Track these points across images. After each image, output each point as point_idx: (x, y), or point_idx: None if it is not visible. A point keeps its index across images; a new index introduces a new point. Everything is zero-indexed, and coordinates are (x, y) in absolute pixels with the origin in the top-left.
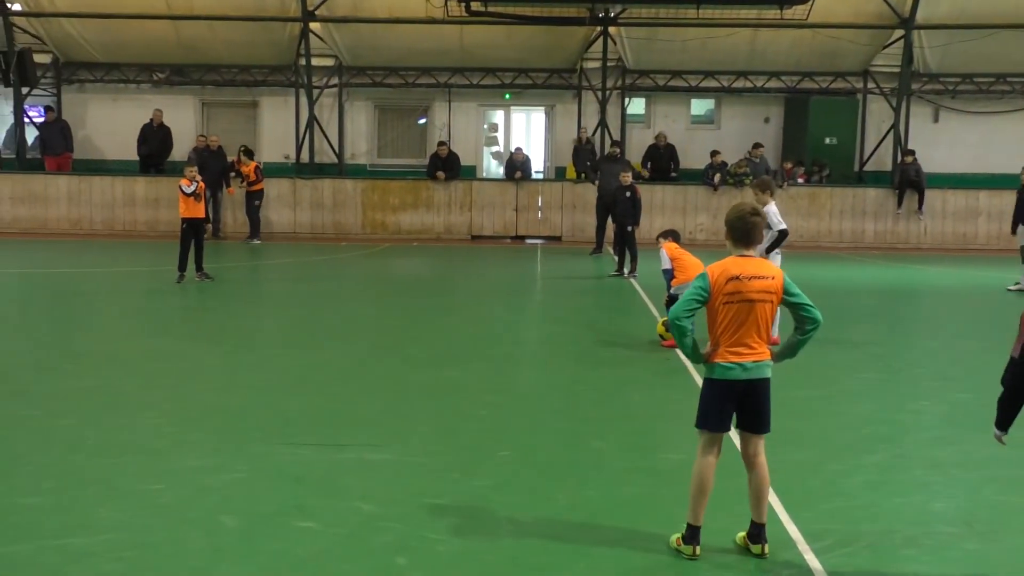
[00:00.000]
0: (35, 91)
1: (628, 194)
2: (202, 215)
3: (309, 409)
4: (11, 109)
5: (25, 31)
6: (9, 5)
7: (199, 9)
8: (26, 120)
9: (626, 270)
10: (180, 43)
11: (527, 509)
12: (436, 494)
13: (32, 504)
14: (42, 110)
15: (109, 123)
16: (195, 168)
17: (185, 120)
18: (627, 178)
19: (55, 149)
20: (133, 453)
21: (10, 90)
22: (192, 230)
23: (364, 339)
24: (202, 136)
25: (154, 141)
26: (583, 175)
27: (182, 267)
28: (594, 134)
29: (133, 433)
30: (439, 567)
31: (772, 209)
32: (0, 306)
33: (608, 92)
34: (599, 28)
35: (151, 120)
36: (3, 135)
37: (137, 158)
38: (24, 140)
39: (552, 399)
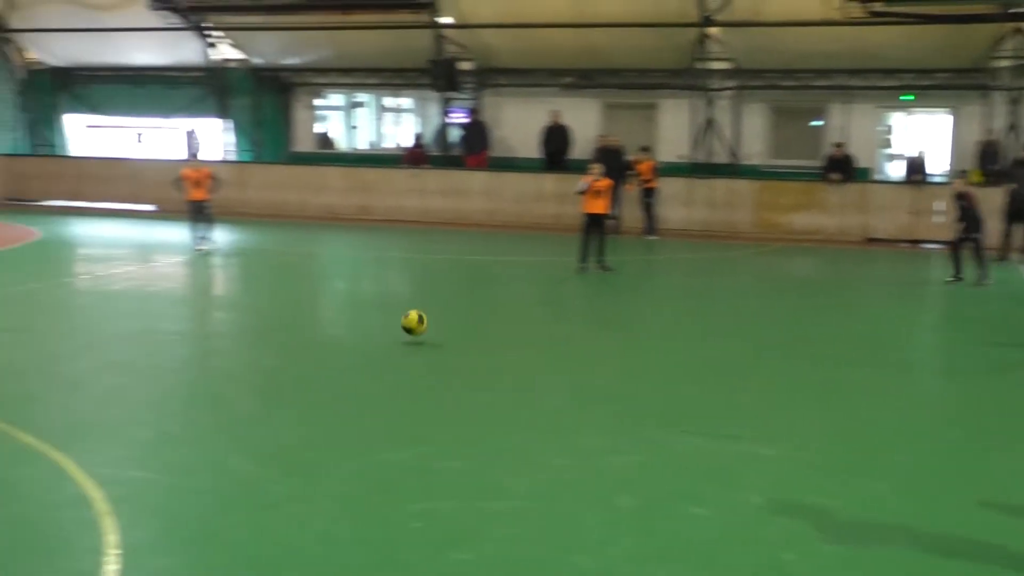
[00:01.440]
0: (458, 95)
1: None
2: (603, 210)
3: (703, 399)
4: (438, 111)
5: (453, 41)
6: (440, 20)
7: (604, 17)
8: (450, 121)
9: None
10: (585, 49)
11: (921, 519)
12: (827, 493)
13: (453, 467)
14: (465, 112)
15: (520, 124)
16: (599, 166)
17: (588, 121)
18: None
19: (474, 148)
20: (540, 429)
21: (438, 94)
22: (593, 224)
23: (756, 335)
24: (602, 135)
25: (556, 140)
26: (989, 178)
27: (584, 258)
28: (1007, 136)
29: (540, 411)
30: (826, 567)
31: None
32: (427, 288)
33: (1020, 92)
34: (1010, 25)
35: (551, 121)
36: (431, 134)
37: (542, 157)
38: (447, 139)
39: (949, 407)
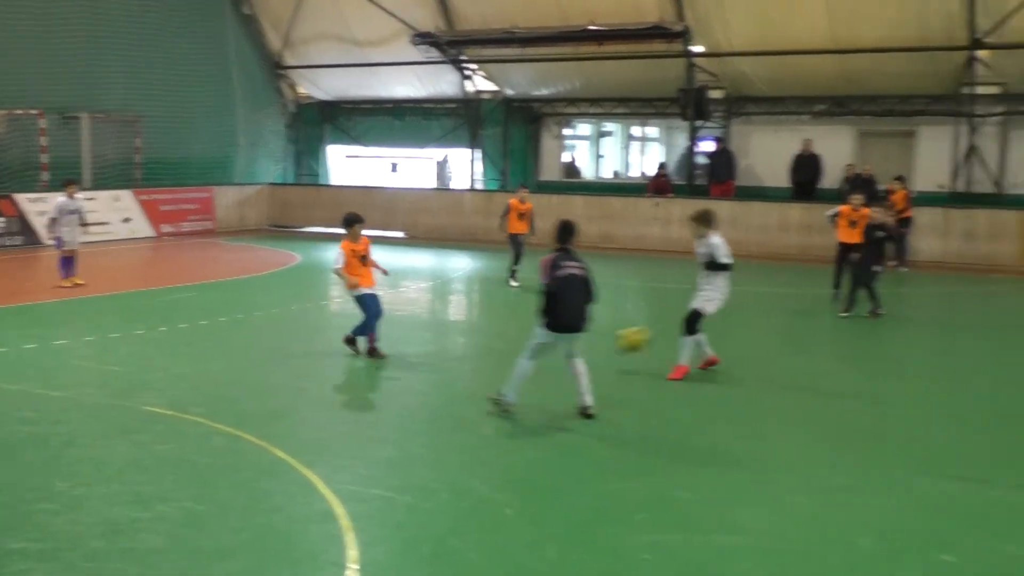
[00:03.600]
0: (707, 124)
1: None
2: (857, 239)
3: (958, 441)
4: (685, 140)
5: (703, 70)
6: (692, 49)
7: (865, 42)
8: (696, 150)
9: None
10: (842, 75)
11: None
12: None
13: (686, 499)
14: (712, 140)
15: (769, 153)
16: (859, 196)
17: (840, 150)
18: None
19: (720, 176)
20: (778, 465)
21: (685, 123)
22: (847, 253)
23: (1017, 374)
24: (851, 164)
25: (806, 169)
26: None
27: (836, 286)
28: None
29: (778, 445)
30: None
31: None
32: (660, 316)
33: None
34: None
35: (802, 150)
36: (676, 163)
37: (790, 185)
38: (694, 168)
39: None
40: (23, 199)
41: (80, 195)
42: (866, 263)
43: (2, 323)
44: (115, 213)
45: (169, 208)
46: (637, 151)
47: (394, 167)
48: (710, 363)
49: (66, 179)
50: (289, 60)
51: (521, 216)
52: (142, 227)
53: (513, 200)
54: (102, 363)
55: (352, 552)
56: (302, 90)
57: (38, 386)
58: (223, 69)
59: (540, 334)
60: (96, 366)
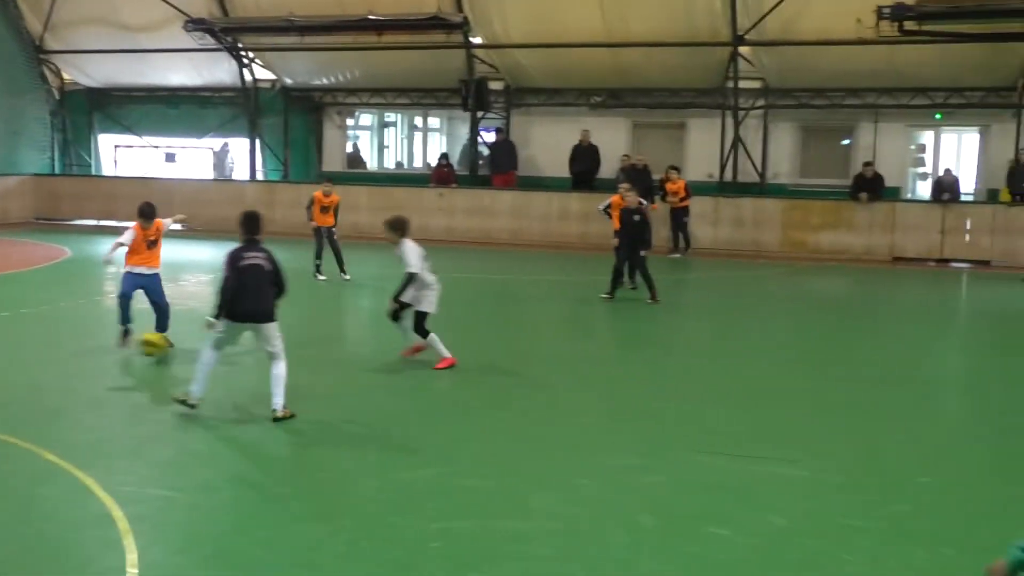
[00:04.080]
0: (488, 115)
1: None
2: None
3: (728, 420)
4: (467, 131)
5: (483, 61)
6: (471, 40)
7: (635, 37)
8: (479, 141)
9: None
10: (615, 68)
11: (948, 543)
12: (851, 515)
13: (475, 486)
14: (493, 131)
15: (549, 143)
16: (628, 185)
17: (617, 141)
18: None
19: (502, 167)
20: (564, 448)
21: (467, 114)
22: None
23: (783, 354)
24: (626, 155)
25: (584, 160)
26: (1018, 197)
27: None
28: None
29: (565, 428)
30: None
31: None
32: (453, 307)
33: None
34: None
35: (580, 140)
36: (458, 153)
37: (570, 176)
38: (476, 159)
39: (979, 428)
40: None
41: None
42: (628, 248)
43: None
44: None
45: None
46: (420, 142)
47: (170, 157)
48: (416, 350)
49: None
50: (52, 44)
51: (325, 209)
52: None
53: (317, 193)
54: None
55: (131, 556)
56: (67, 76)
57: None
58: None
59: (220, 324)
60: None
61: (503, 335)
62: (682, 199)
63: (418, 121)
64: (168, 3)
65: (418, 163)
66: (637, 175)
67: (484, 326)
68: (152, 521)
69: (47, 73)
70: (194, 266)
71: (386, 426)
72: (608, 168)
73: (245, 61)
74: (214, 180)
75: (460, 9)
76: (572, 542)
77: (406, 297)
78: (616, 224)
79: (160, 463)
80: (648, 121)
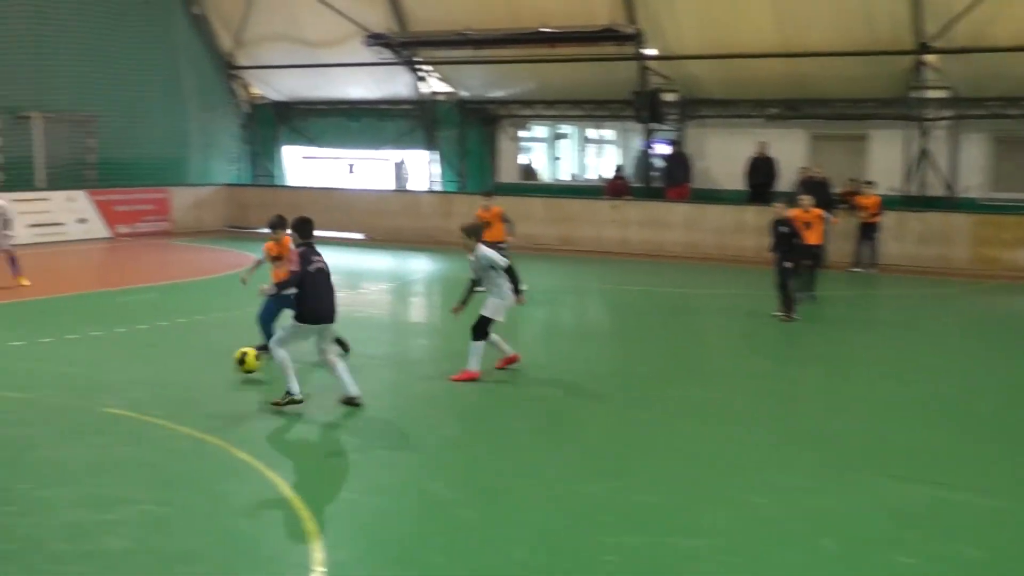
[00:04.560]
0: (661, 126)
1: None
2: (815, 241)
3: (911, 443)
4: (640, 142)
5: (656, 72)
6: (644, 51)
7: (813, 46)
8: (652, 152)
9: None
10: (792, 79)
11: None
12: None
13: (648, 502)
14: (667, 143)
15: (724, 155)
16: (808, 198)
17: (794, 152)
18: None
19: (676, 179)
20: (738, 465)
21: (641, 126)
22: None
23: (972, 377)
24: (804, 167)
25: (760, 172)
26: None
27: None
28: None
29: (739, 446)
30: None
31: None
32: (626, 319)
33: None
34: None
35: (756, 152)
36: (632, 165)
37: (746, 188)
38: (650, 171)
39: None
40: None
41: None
42: (778, 261)
43: None
44: (70, 214)
45: (124, 209)
46: (593, 153)
47: (351, 168)
48: (510, 361)
49: None
50: (241, 60)
51: (489, 224)
52: (97, 228)
53: (479, 211)
54: (61, 365)
55: (318, 554)
56: (256, 90)
57: None
58: (174, 69)
59: (291, 325)
60: (55, 368)
61: (672, 349)
62: (873, 214)
63: (591, 133)
64: (348, 18)
65: (591, 175)
66: (815, 188)
67: (653, 339)
68: (337, 522)
69: (237, 88)
70: (373, 275)
71: (559, 438)
72: (785, 181)
73: (422, 74)
74: (393, 191)
75: (633, 21)
76: (748, 562)
77: (499, 305)
78: (806, 238)
79: (344, 466)
80: (827, 133)
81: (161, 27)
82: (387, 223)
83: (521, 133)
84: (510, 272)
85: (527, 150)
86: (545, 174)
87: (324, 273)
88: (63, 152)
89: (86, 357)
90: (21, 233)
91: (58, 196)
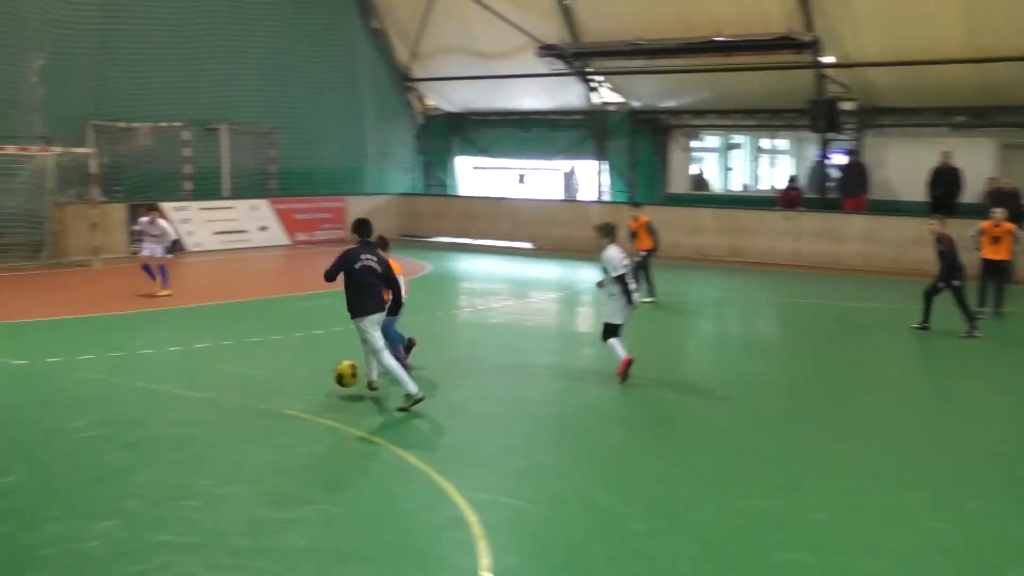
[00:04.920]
0: (838, 136)
1: None
2: (1003, 256)
3: None
4: (815, 152)
5: (834, 81)
6: (822, 59)
7: (1004, 50)
8: (828, 163)
9: None
10: (981, 85)
11: None
12: None
13: (820, 520)
14: (844, 153)
15: (905, 166)
16: (1001, 210)
17: (981, 163)
18: None
19: (853, 190)
20: (917, 487)
21: (816, 135)
22: (991, 270)
23: None
24: (993, 178)
25: (944, 183)
26: None
27: (980, 304)
28: None
29: (917, 467)
30: None
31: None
32: (795, 333)
33: None
34: None
35: (940, 162)
36: (806, 176)
37: (928, 199)
38: (825, 181)
39: None
40: (168, 207)
41: (163, 222)
42: (943, 279)
43: (148, 326)
44: (252, 221)
45: (303, 217)
46: (766, 164)
47: (521, 178)
48: (626, 364)
49: (147, 205)
50: (417, 73)
51: (634, 234)
52: (278, 235)
53: (629, 222)
54: (241, 367)
55: (484, 560)
56: (430, 102)
57: (181, 388)
58: (353, 82)
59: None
60: (235, 370)
61: (842, 365)
62: None
63: (764, 143)
64: (522, 30)
65: (764, 185)
66: (1004, 199)
67: (822, 354)
68: (504, 529)
69: (412, 100)
70: (540, 284)
71: (726, 452)
72: (971, 192)
73: (593, 85)
74: (561, 201)
75: (811, 28)
76: None
77: (615, 309)
78: (985, 252)
79: (512, 473)
80: (1018, 142)
81: (341, 42)
82: (555, 233)
83: (692, 143)
84: (620, 281)
85: (698, 160)
86: (716, 184)
87: (371, 271)
88: (247, 162)
89: (265, 360)
90: (207, 240)
91: (242, 205)
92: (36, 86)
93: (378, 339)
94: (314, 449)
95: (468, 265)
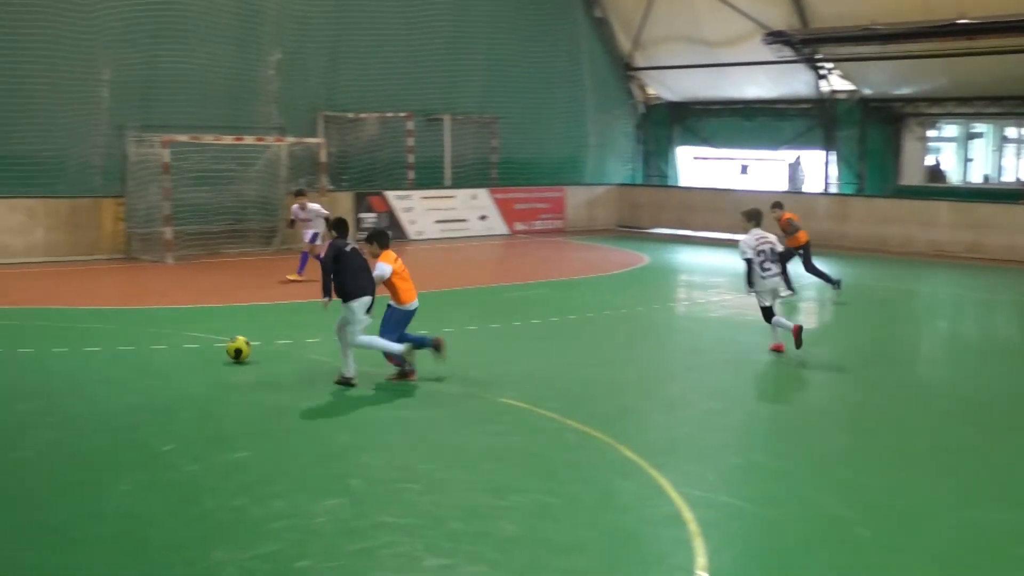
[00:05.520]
0: None
1: None
2: None
3: None
4: None
5: None
6: None
7: None
8: None
9: None
10: None
11: None
12: None
13: None
14: None
15: None
16: None
17: None
18: None
19: None
20: None
21: None
22: None
23: None
24: None
25: None
26: None
27: None
28: None
29: None
30: None
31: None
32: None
33: None
34: None
35: None
36: None
37: None
38: None
39: None
40: (392, 196)
41: (313, 205)
42: None
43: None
44: (472, 211)
45: (522, 207)
46: (1012, 154)
47: (744, 169)
48: (775, 349)
49: (296, 189)
50: (639, 61)
51: (784, 232)
52: (497, 224)
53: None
54: (460, 354)
55: (700, 559)
56: (652, 91)
57: None
58: (575, 71)
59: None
60: (455, 357)
61: None
62: None
63: (1010, 132)
64: (749, 17)
65: (1008, 177)
66: None
67: None
68: (721, 528)
69: (634, 89)
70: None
71: (963, 461)
72: None
73: (822, 72)
74: (786, 192)
75: None
76: None
77: (755, 287)
78: None
79: (729, 470)
80: None
81: (564, 31)
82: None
83: (929, 132)
84: (749, 264)
85: (935, 151)
86: (954, 176)
87: (357, 254)
88: (468, 152)
89: (484, 348)
90: (428, 228)
91: (463, 194)
92: (272, 79)
93: (363, 321)
94: (530, 438)
95: (687, 257)
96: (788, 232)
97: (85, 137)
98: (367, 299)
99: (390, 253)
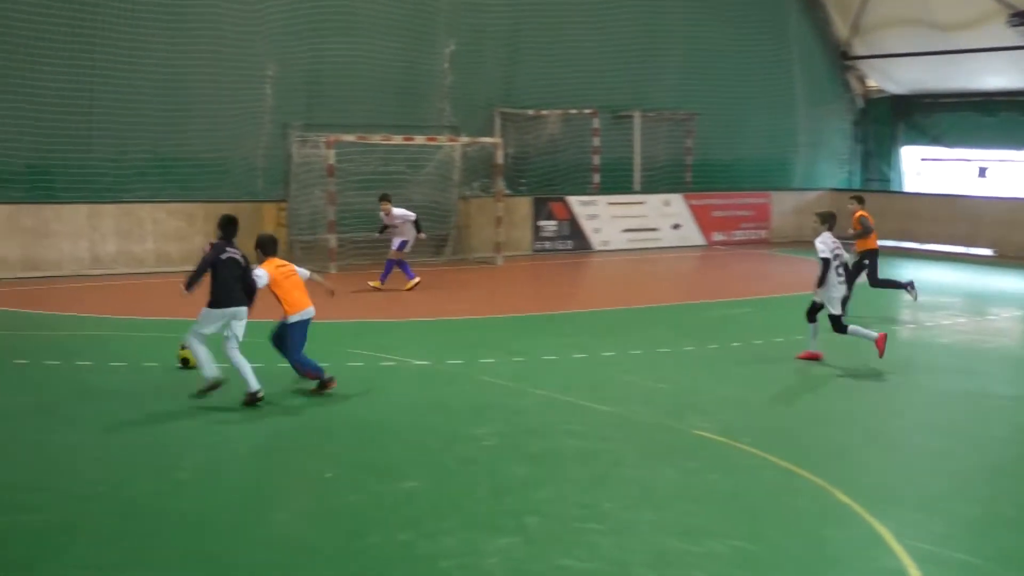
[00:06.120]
0: None
1: None
2: None
3: None
4: None
5: None
6: None
7: None
8: None
9: None
10: None
11: None
12: None
13: None
14: None
15: None
16: None
17: None
18: None
19: None
20: None
21: None
22: None
23: None
24: None
25: None
26: None
27: None
28: None
29: None
30: None
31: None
32: None
33: None
34: None
35: None
36: None
37: None
38: None
39: None
40: (575, 202)
41: (399, 210)
42: None
43: (551, 330)
44: (664, 219)
45: (721, 214)
46: None
47: (982, 172)
48: (809, 356)
49: (381, 194)
50: (858, 50)
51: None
52: (692, 234)
53: None
54: (649, 379)
55: None
56: (872, 83)
57: (585, 399)
58: (783, 62)
59: (202, 313)
60: (643, 382)
61: None
62: None
63: None
64: None
65: None
66: None
67: None
68: None
69: (851, 81)
70: (1003, 299)
71: None
72: None
73: None
74: None
75: None
76: None
77: (819, 297)
78: None
79: (962, 522)
80: None
81: (771, 18)
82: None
83: None
84: (824, 265)
85: None
86: None
87: (236, 263)
88: (659, 153)
89: (676, 373)
90: (615, 238)
91: (654, 200)
92: (445, 73)
93: (240, 334)
94: (729, 476)
95: (912, 273)
96: (859, 232)
97: (248, 137)
98: (230, 311)
99: (273, 260)
